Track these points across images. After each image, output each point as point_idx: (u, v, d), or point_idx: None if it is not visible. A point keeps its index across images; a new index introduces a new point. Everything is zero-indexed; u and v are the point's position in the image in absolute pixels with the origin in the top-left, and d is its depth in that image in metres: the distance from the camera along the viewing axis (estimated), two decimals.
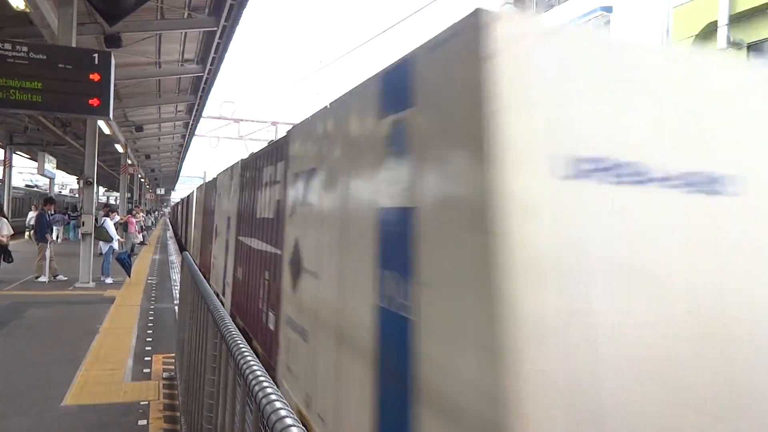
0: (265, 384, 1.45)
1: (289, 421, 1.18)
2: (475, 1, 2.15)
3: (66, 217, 25.42)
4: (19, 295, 10.07)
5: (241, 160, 7.94)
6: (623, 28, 19.62)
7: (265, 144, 7.79)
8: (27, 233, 21.06)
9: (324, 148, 3.71)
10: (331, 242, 3.37)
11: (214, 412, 2.45)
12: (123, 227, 17.26)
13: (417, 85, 2.33)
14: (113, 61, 7.22)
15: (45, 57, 6.90)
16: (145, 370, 5.89)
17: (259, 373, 1.54)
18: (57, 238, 22.47)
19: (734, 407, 1.75)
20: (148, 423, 4.46)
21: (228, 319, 2.31)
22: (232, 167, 8.53)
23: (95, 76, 7.04)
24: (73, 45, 8.24)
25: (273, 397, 1.34)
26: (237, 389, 1.87)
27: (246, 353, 1.77)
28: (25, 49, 6.81)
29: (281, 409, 1.26)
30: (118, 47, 9.64)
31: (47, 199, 14.50)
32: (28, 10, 7.75)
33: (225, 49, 11.90)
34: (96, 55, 7.19)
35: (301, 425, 1.17)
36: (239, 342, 1.92)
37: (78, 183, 34.73)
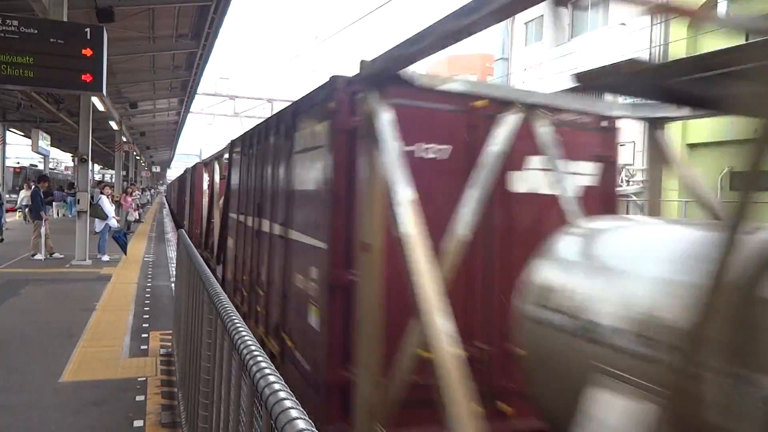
0: (259, 359, 1.45)
1: (282, 394, 1.18)
2: None
3: (63, 194, 25.38)
4: (15, 272, 10.07)
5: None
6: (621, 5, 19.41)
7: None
8: (20, 213, 20.77)
9: None
10: None
11: (210, 386, 2.47)
12: (117, 205, 17.21)
13: None
14: (105, 36, 7.10)
15: (36, 31, 6.78)
16: (142, 347, 5.93)
17: (253, 347, 1.55)
18: (57, 215, 22.42)
19: None
20: (145, 398, 4.50)
21: (223, 296, 2.31)
22: None
23: (87, 51, 6.93)
24: (65, 19, 8.10)
25: (267, 371, 1.35)
26: (232, 364, 1.88)
27: (241, 329, 1.77)
28: (15, 23, 6.69)
29: (275, 383, 1.26)
30: (111, 22, 9.46)
31: (41, 177, 14.43)
32: None
33: (219, 24, 11.72)
34: (88, 29, 7.06)
35: (294, 398, 1.17)
36: (234, 318, 1.92)
37: (73, 160, 34.54)
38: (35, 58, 6.70)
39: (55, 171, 44.10)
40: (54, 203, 22.79)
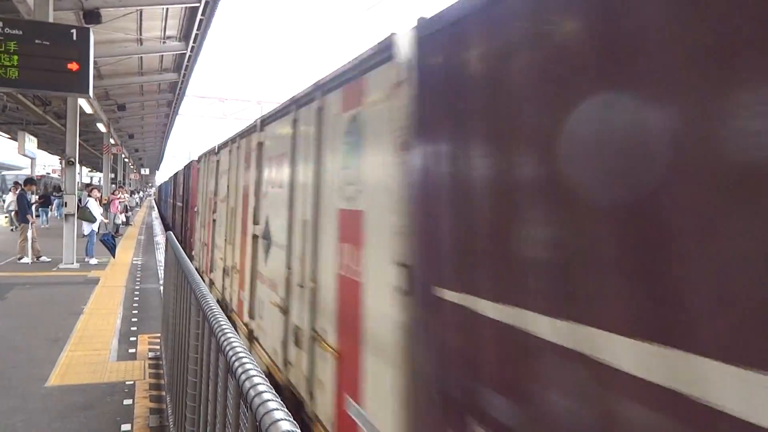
0: (245, 360, 1.44)
1: (267, 396, 1.17)
2: None
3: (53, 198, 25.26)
4: (1, 276, 9.95)
5: None
6: None
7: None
8: (5, 218, 20.45)
9: None
10: None
11: (197, 389, 2.44)
12: (105, 207, 17.08)
13: None
14: (92, 38, 7.04)
15: (21, 33, 6.71)
16: (130, 350, 5.88)
17: (239, 349, 1.53)
18: (47, 220, 22.22)
19: None
20: (133, 402, 4.46)
21: (210, 297, 2.29)
22: None
23: (74, 53, 6.87)
24: (50, 21, 8.03)
25: (252, 373, 1.34)
26: (219, 366, 1.86)
27: (227, 331, 1.75)
28: None
29: (260, 384, 1.25)
30: (98, 23, 9.39)
31: (27, 180, 14.28)
32: None
33: (208, 26, 11.66)
34: (74, 31, 7.00)
35: (278, 399, 1.16)
36: (220, 319, 1.90)
37: (60, 163, 34.26)
38: (20, 59, 6.63)
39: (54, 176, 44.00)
40: (50, 206, 22.90)
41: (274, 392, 1.21)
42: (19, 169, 39.58)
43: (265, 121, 5.27)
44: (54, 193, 26.00)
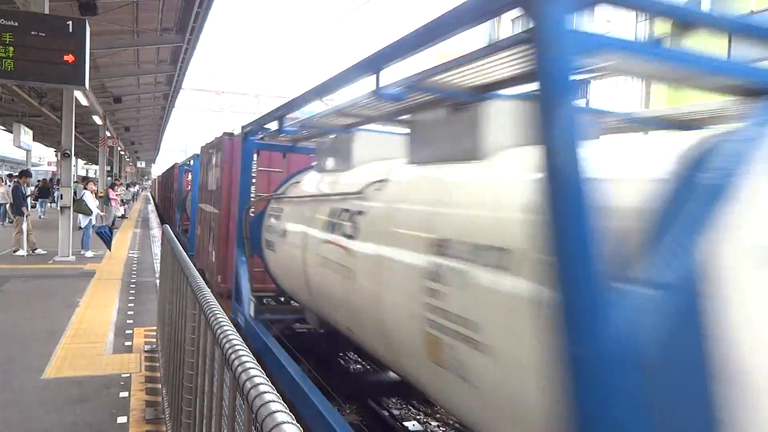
0: (241, 353, 1.44)
1: (263, 388, 1.18)
2: None
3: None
4: None
5: None
6: None
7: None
8: None
9: None
10: None
11: (193, 381, 2.45)
12: (104, 201, 17.03)
13: None
14: (88, 29, 7.01)
15: (17, 24, 6.68)
16: (126, 343, 5.87)
17: (235, 341, 1.54)
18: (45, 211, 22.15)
19: None
20: (129, 395, 4.46)
21: (206, 290, 2.30)
22: None
23: (70, 45, 6.84)
24: (46, 12, 7.99)
25: (249, 365, 1.34)
26: (215, 358, 1.87)
27: (223, 323, 1.76)
28: None
29: (257, 376, 1.26)
30: (94, 15, 9.34)
31: (23, 172, 14.23)
32: None
33: (205, 18, 11.62)
34: (70, 22, 6.97)
35: (274, 390, 1.17)
36: (216, 312, 1.91)
37: (56, 155, 34.12)
38: (16, 50, 6.60)
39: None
40: (48, 197, 23.00)
41: (270, 384, 1.22)
42: (36, 165, 39.58)
43: None
44: (53, 186, 25.96)
